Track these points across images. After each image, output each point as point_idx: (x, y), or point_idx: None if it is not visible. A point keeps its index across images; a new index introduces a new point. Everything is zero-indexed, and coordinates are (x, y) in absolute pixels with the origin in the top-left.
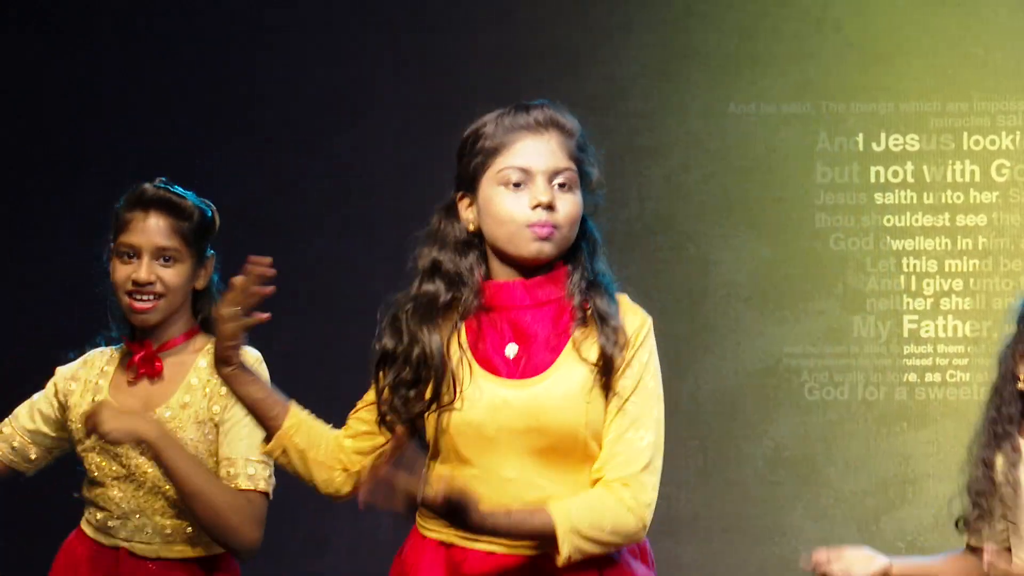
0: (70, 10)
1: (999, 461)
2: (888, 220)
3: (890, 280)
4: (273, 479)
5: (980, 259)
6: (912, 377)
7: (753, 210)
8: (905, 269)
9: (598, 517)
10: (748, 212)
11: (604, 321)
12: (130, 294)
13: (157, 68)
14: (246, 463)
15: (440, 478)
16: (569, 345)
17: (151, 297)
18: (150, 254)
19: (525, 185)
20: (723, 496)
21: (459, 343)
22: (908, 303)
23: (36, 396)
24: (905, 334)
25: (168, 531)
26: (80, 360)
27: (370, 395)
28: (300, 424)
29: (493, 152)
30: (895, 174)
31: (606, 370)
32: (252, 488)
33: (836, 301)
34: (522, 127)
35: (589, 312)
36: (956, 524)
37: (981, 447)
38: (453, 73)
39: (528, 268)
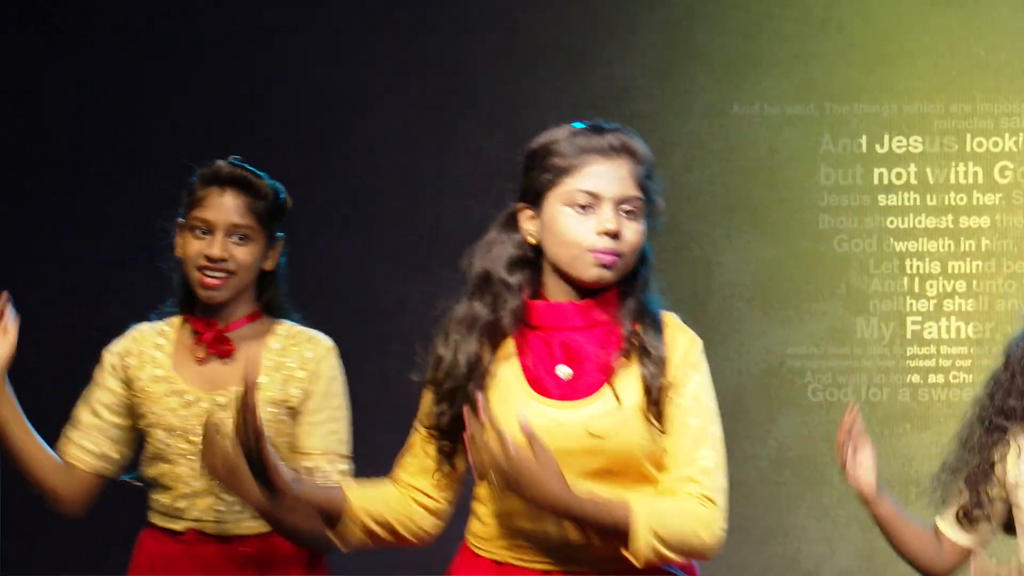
0: (70, 10)
1: (996, 453)
2: (891, 222)
3: (893, 281)
4: (352, 473)
5: (983, 261)
6: (915, 378)
7: (756, 211)
8: (908, 271)
9: (679, 523)
10: (751, 213)
11: (647, 354)
12: (201, 269)
13: (157, 68)
14: (328, 459)
15: (501, 438)
16: (617, 369)
17: (222, 274)
18: (224, 231)
19: (592, 209)
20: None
21: (508, 360)
22: (911, 304)
23: (90, 394)
24: (908, 335)
25: (238, 508)
26: (128, 337)
27: (418, 436)
28: (364, 496)
29: (563, 171)
30: (898, 176)
31: (651, 398)
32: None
33: (839, 302)
34: (595, 150)
35: (635, 342)
36: (953, 506)
37: (976, 436)
38: (455, 74)
39: (583, 288)
